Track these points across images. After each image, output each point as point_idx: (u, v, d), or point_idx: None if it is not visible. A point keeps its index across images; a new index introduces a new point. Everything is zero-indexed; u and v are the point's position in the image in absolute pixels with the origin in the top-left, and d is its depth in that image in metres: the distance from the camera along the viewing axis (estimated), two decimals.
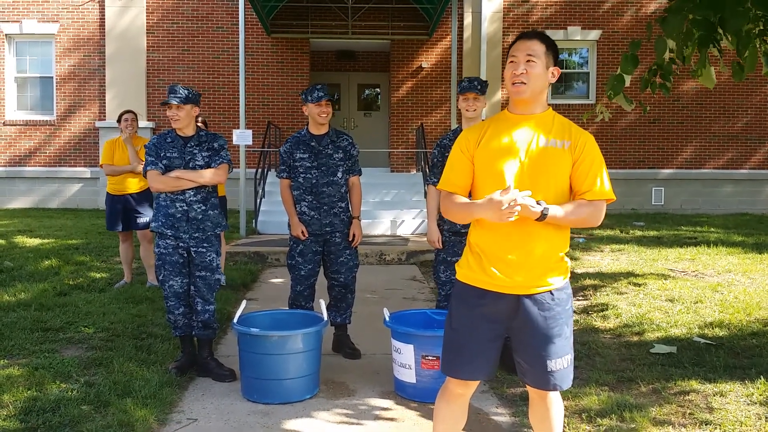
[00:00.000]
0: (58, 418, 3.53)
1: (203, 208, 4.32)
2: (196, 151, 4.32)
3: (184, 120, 4.27)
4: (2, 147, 14.45)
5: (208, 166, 4.31)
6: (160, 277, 4.37)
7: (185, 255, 4.35)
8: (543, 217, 2.42)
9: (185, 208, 4.28)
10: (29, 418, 3.53)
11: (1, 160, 14.46)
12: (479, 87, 4.45)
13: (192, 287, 4.39)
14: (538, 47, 2.51)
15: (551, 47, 2.54)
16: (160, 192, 4.31)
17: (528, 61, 2.49)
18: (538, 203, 2.41)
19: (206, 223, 4.33)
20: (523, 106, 2.57)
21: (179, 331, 4.42)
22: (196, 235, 4.31)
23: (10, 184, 14.46)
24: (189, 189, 4.27)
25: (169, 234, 4.30)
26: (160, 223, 4.32)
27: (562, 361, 2.57)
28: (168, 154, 4.29)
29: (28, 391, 3.87)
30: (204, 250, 4.33)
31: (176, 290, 4.35)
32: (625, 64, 5.03)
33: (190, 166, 4.29)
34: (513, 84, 2.51)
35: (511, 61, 2.54)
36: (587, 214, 2.49)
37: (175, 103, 4.21)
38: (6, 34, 14.37)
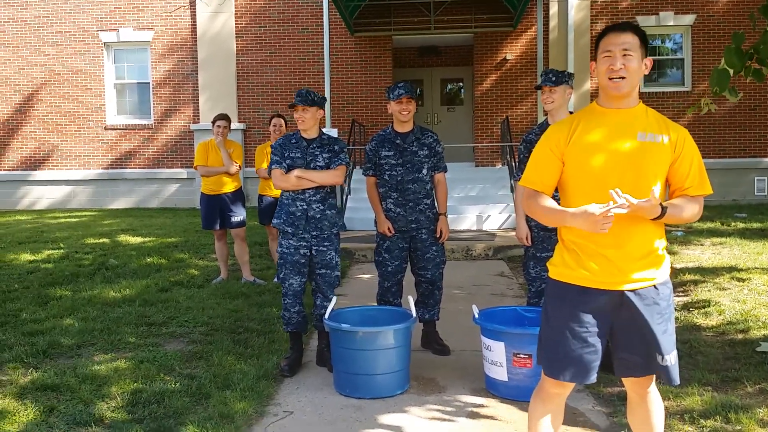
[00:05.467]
0: (162, 409, 3.71)
1: (321, 207, 4.47)
2: (317, 153, 4.49)
3: (309, 122, 4.46)
4: (104, 150, 15.29)
5: (328, 167, 4.48)
6: (281, 275, 4.53)
7: (307, 254, 4.49)
8: (662, 215, 2.38)
9: (305, 207, 4.45)
10: (135, 409, 3.72)
11: (103, 163, 15.30)
12: (553, 79, 4.36)
13: (313, 283, 4.56)
14: (633, 40, 2.44)
15: (644, 39, 2.48)
16: (283, 190, 4.51)
17: (625, 55, 2.42)
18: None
19: (324, 222, 4.47)
20: (618, 100, 2.50)
21: (291, 327, 4.54)
22: (315, 233, 4.46)
23: (113, 185, 15.28)
24: (309, 189, 4.43)
25: (290, 231, 4.46)
26: (282, 220, 4.51)
27: (670, 357, 2.49)
28: (291, 154, 4.48)
29: (134, 384, 4.08)
30: (324, 249, 4.48)
31: (295, 288, 4.50)
32: (729, 56, 4.76)
33: (311, 166, 4.46)
34: (611, 79, 2.44)
35: (606, 56, 2.45)
36: (694, 210, 2.48)
37: (301, 105, 4.42)
38: (105, 43, 15.17)
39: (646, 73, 2.50)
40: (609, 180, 2.41)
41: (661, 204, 2.36)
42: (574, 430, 3.48)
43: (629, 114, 2.49)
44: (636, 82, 2.47)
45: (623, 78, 2.43)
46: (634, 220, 2.42)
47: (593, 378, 2.52)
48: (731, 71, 4.85)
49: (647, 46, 2.51)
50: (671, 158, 2.46)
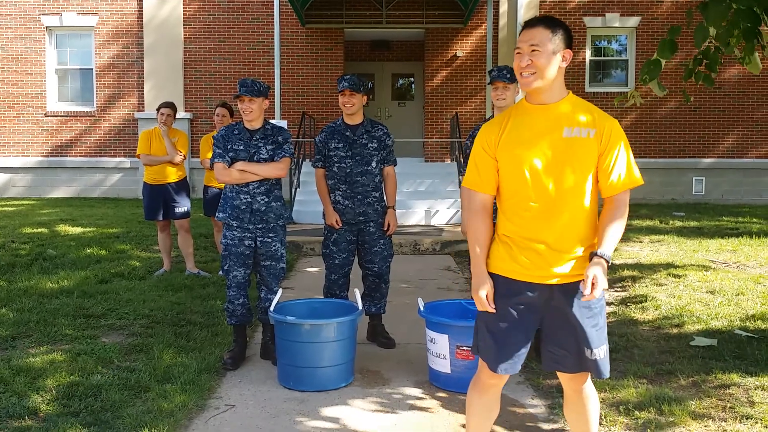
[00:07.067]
0: (99, 403, 3.61)
1: (266, 199, 4.40)
2: (261, 145, 4.39)
3: (256, 112, 4.36)
4: (44, 137, 14.79)
5: (271, 159, 4.38)
6: (225, 267, 4.45)
7: (252, 246, 4.42)
8: (609, 262, 2.41)
9: (249, 200, 4.37)
10: (71, 402, 3.62)
11: (43, 151, 14.80)
12: (508, 76, 4.38)
13: (257, 276, 4.50)
14: (541, 34, 2.43)
15: (558, 30, 2.45)
16: (226, 184, 4.42)
17: (533, 51, 2.43)
18: (594, 255, 2.40)
19: (269, 214, 4.40)
20: (537, 95, 2.51)
21: (235, 320, 4.48)
22: (261, 225, 4.39)
23: (53, 173, 14.79)
24: (253, 181, 4.35)
25: (235, 225, 4.39)
26: (226, 214, 4.42)
27: (599, 351, 2.54)
28: (234, 147, 4.38)
29: (71, 377, 3.97)
30: (269, 240, 4.42)
31: (239, 281, 4.43)
32: (662, 49, 4.91)
33: (255, 158, 4.36)
34: (521, 75, 2.46)
35: (517, 53, 2.48)
36: (621, 217, 2.49)
37: (248, 95, 4.30)
38: (46, 27, 14.66)
39: (565, 65, 2.49)
40: (537, 177, 2.45)
41: (602, 257, 2.39)
42: (514, 422, 3.54)
43: (555, 109, 2.49)
44: (549, 76, 2.45)
45: (532, 73, 2.44)
46: (565, 215, 2.46)
47: (518, 368, 2.59)
48: (662, 63, 5.00)
49: (568, 37, 2.49)
50: (598, 151, 2.47)
